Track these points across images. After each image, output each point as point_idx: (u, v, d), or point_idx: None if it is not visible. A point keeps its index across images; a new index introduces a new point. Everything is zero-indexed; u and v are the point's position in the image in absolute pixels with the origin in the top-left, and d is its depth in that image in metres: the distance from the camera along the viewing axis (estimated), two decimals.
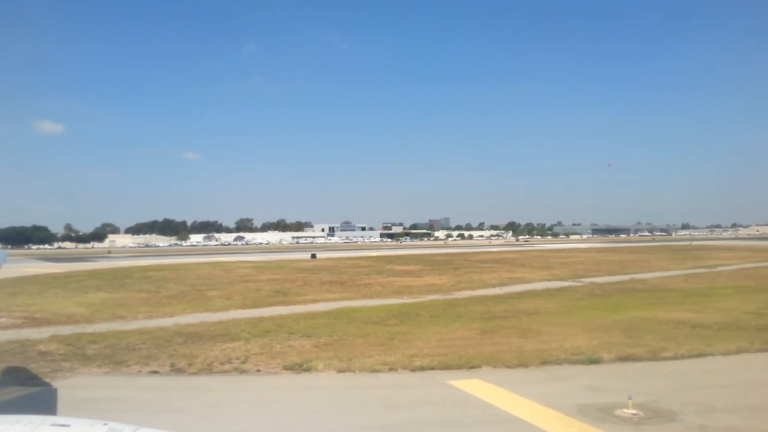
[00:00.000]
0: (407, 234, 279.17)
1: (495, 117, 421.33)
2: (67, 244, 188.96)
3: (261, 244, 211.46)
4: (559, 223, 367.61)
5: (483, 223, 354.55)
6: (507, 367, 14.26)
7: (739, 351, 15.55)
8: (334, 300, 29.18)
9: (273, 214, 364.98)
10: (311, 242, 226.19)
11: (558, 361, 14.64)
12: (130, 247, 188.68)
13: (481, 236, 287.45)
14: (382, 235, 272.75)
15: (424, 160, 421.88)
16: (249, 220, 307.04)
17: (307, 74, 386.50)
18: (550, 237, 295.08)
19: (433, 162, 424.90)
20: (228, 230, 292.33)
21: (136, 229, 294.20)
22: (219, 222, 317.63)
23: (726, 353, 15.34)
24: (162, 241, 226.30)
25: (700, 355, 15.15)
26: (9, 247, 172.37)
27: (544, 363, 14.51)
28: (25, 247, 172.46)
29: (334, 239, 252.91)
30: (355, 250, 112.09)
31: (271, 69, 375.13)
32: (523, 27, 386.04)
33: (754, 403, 11.00)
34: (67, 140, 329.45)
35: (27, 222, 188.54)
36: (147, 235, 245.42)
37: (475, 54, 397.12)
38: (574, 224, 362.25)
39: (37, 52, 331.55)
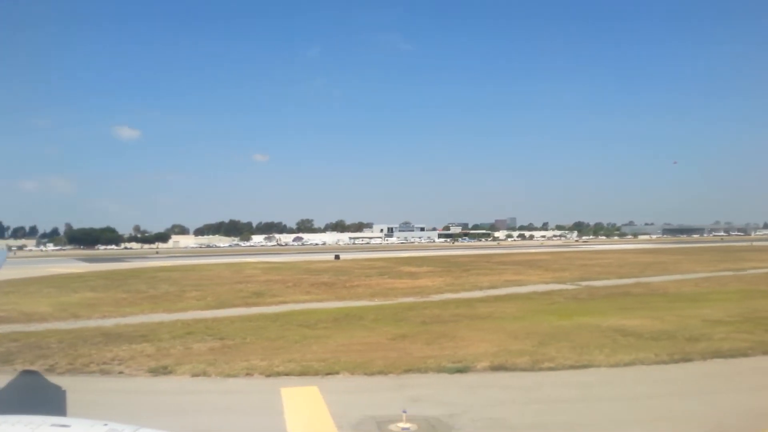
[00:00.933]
0: (465, 234, 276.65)
1: (566, 116, 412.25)
2: (134, 245, 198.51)
3: (316, 244, 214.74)
4: (631, 223, 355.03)
5: (547, 223, 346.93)
6: (366, 374, 13.82)
7: (631, 363, 14.40)
8: (304, 302, 29.23)
9: (336, 215, 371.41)
10: (367, 243, 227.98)
11: (423, 369, 14.05)
12: (191, 247, 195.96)
13: (543, 236, 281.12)
14: (440, 236, 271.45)
15: (490, 160, 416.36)
16: (309, 221, 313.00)
17: (369, 76, 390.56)
18: (616, 237, 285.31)
19: (500, 161, 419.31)
20: (291, 230, 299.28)
21: (203, 230, 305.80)
22: (283, 223, 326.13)
23: (615, 365, 14.26)
24: (224, 241, 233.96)
25: (583, 367, 14.16)
26: (80, 247, 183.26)
27: (407, 371, 13.97)
28: (96, 247, 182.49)
29: (392, 240, 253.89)
30: (400, 251, 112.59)
31: (334, 71, 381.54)
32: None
33: (554, 420, 10.19)
34: (143, 145, 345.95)
35: (107, 223, 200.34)
36: (210, 236, 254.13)
37: (546, 53, 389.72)
38: (646, 224, 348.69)
39: (116, 60, 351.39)
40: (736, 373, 13.45)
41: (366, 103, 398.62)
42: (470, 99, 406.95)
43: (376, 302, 28.99)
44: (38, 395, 12.47)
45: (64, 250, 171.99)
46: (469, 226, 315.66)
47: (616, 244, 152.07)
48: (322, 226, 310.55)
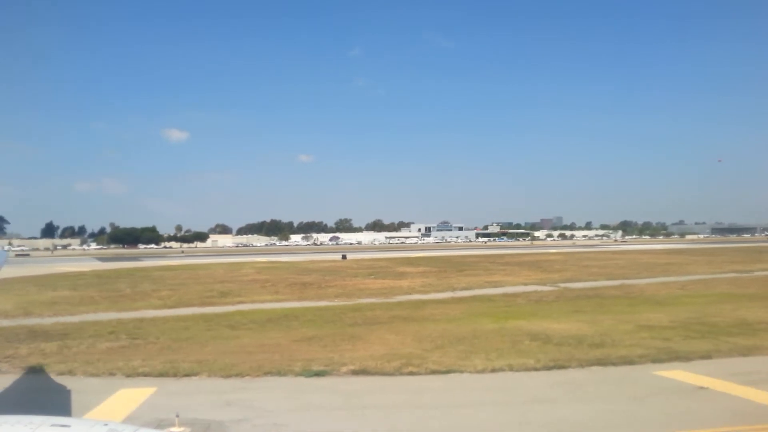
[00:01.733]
0: (504, 234, 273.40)
1: (615, 116, 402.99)
2: (173, 244, 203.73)
3: (351, 244, 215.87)
4: (681, 222, 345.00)
5: (590, 222, 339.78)
6: (223, 376, 13.68)
7: (500, 369, 13.77)
8: (263, 302, 29.25)
9: (378, 214, 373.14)
10: (401, 242, 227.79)
11: (284, 372, 13.78)
12: (228, 246, 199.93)
13: (585, 236, 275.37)
14: (477, 235, 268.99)
15: (537, 158, 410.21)
16: (348, 221, 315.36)
17: (411, 74, 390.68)
18: (661, 237, 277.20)
19: (548, 159, 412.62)
20: (331, 230, 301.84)
21: (245, 230, 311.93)
22: (324, 222, 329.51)
23: (481, 371, 13.71)
24: (261, 241, 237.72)
25: (447, 372, 13.66)
26: (122, 246, 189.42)
27: (267, 373, 13.77)
28: (137, 246, 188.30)
29: (429, 239, 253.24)
30: (426, 251, 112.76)
31: (376, 71, 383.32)
32: None
33: (336, 427, 9.86)
34: (191, 146, 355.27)
35: (156, 222, 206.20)
36: (248, 236, 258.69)
37: (600, 54, 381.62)
38: (696, 223, 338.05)
39: (167, 63, 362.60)
40: (594, 381, 12.72)
41: (408, 101, 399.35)
42: (515, 96, 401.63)
43: (335, 302, 28.81)
44: None
45: (103, 249, 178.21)
46: (516, 225, 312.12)
47: (652, 244, 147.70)
48: (363, 226, 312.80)
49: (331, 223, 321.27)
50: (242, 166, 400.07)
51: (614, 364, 14.18)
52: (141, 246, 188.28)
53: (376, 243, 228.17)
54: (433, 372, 13.73)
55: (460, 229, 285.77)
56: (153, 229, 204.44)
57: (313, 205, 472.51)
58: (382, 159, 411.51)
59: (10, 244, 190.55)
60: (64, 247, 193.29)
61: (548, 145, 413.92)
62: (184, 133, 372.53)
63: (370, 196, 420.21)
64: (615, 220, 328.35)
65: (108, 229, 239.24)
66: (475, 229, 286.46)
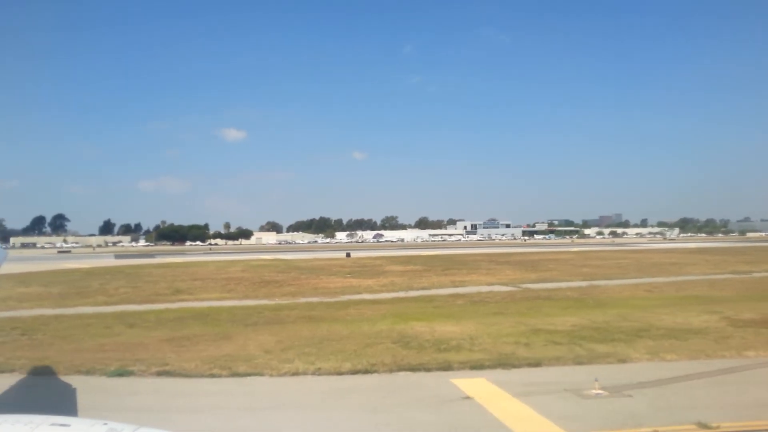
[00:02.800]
0: (551, 232, 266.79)
1: (674, 108, 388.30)
2: (218, 241, 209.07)
3: (393, 241, 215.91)
4: (746, 219, 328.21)
5: (646, 219, 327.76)
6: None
7: (311, 372, 13.43)
8: (206, 300, 29.50)
9: (431, 211, 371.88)
10: (443, 240, 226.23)
11: (92, 372, 13.84)
12: (271, 244, 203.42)
13: (638, 234, 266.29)
14: (524, 233, 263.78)
15: (595, 155, 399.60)
16: (394, 218, 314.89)
17: (465, 71, 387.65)
18: (720, 234, 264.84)
19: (609, 156, 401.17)
20: (380, 227, 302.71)
21: (295, 227, 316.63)
22: (373, 220, 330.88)
23: (285, 374, 13.39)
24: (305, 238, 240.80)
25: (256, 374, 13.38)
26: (170, 243, 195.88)
27: (79, 372, 13.84)
28: (184, 243, 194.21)
29: (473, 237, 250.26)
30: (455, 249, 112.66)
31: (430, 68, 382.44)
32: None
33: None
34: (248, 145, 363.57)
35: (213, 220, 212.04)
36: (293, 233, 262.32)
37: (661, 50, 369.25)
38: (762, 220, 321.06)
39: (225, 64, 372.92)
40: (376, 388, 12.17)
41: (462, 99, 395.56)
42: (569, 93, 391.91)
43: (273, 302, 28.76)
44: None
45: (149, 246, 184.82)
46: (568, 222, 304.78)
47: (699, 242, 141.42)
48: (411, 223, 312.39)
49: (379, 221, 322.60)
50: (298, 164, 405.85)
51: (427, 369, 13.56)
52: (188, 243, 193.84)
53: (419, 240, 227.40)
54: (242, 374, 13.49)
55: (507, 226, 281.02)
56: (200, 227, 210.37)
57: (365, 202, 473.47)
58: (434, 156, 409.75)
59: (65, 241, 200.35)
60: (115, 244, 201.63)
61: (607, 142, 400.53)
62: (241, 132, 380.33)
63: (422, 193, 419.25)
64: (678, 217, 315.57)
65: (161, 227, 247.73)
66: (524, 226, 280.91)
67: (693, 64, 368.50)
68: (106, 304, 28.48)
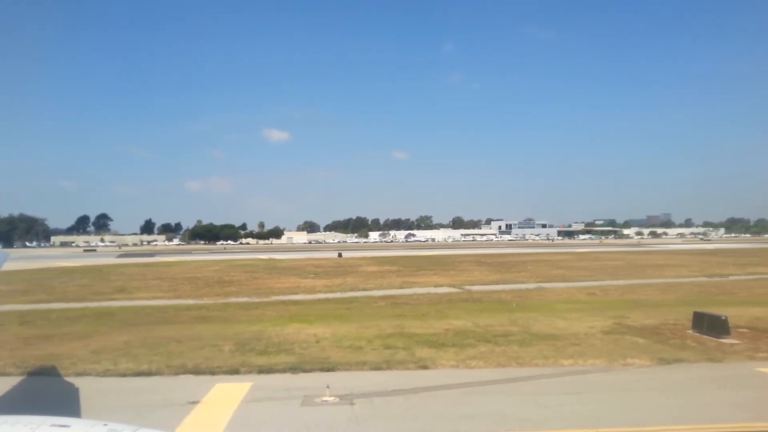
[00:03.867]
0: (588, 232, 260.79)
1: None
2: (250, 240, 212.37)
3: (420, 241, 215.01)
4: None
5: (690, 219, 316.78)
6: None
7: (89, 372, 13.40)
8: (142, 299, 29.96)
9: (471, 211, 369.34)
10: (472, 239, 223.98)
11: None
12: (300, 243, 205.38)
13: (680, 234, 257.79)
14: (559, 233, 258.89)
15: (645, 154, 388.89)
16: (428, 218, 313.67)
17: (508, 68, 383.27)
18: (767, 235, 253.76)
19: (657, 155, 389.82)
20: (416, 227, 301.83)
21: (332, 227, 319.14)
22: (410, 219, 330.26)
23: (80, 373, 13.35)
24: (337, 238, 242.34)
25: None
26: (203, 242, 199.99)
27: None
28: (215, 242, 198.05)
29: (506, 237, 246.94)
30: (476, 249, 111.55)
31: (471, 66, 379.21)
32: None
33: None
34: (291, 145, 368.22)
35: (255, 219, 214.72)
36: (325, 233, 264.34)
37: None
38: None
39: (265, 65, 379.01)
40: (121, 390, 12.01)
41: (505, 96, 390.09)
42: (622, 91, 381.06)
43: (202, 301, 28.85)
44: None
45: (182, 245, 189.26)
46: (611, 222, 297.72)
47: (729, 243, 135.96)
48: (446, 222, 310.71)
49: (415, 221, 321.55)
50: (339, 164, 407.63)
51: (198, 373, 13.33)
52: (219, 242, 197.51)
53: (449, 240, 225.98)
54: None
55: (543, 226, 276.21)
56: (232, 226, 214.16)
57: (405, 201, 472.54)
58: (476, 155, 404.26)
59: (101, 240, 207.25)
60: (149, 242, 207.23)
61: (657, 142, 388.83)
62: (284, 133, 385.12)
63: (463, 192, 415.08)
64: (729, 217, 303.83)
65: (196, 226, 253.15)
66: (560, 226, 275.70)
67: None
68: (39, 301, 29.09)
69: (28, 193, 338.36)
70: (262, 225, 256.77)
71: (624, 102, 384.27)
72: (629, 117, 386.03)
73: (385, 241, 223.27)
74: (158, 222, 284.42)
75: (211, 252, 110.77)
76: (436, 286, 34.57)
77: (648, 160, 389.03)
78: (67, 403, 10.58)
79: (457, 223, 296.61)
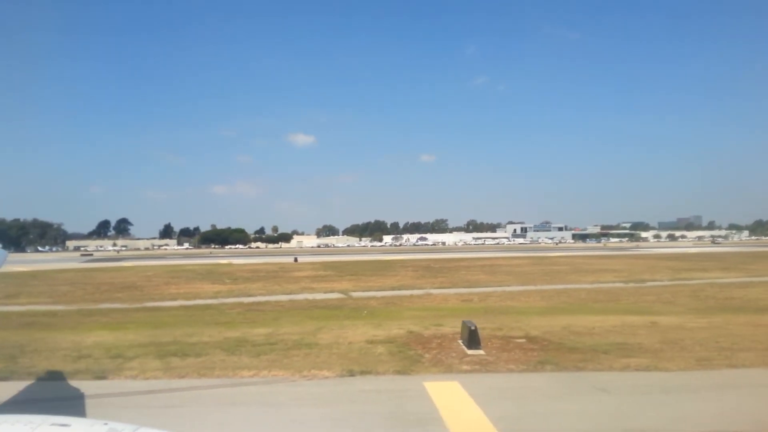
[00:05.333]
0: (604, 235, 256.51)
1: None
2: (260, 244, 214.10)
3: (428, 244, 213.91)
4: None
5: (713, 221, 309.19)
6: None
7: None
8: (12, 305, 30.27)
9: (491, 214, 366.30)
10: (482, 243, 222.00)
11: None
12: (310, 247, 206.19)
13: (700, 237, 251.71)
14: (574, 236, 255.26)
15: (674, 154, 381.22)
16: (444, 221, 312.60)
17: (535, 69, 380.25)
18: None
19: (687, 156, 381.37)
20: (432, 231, 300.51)
21: (350, 230, 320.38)
22: (430, 222, 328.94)
23: None
24: (348, 241, 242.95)
25: None
26: (215, 246, 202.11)
27: None
28: (224, 246, 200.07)
29: (519, 240, 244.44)
30: (462, 252, 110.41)
31: (496, 67, 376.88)
32: None
33: None
34: (317, 150, 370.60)
35: (280, 222, 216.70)
36: (337, 236, 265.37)
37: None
38: None
39: (291, 72, 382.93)
40: None
41: (532, 98, 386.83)
42: (645, 94, 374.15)
43: (66, 307, 28.90)
44: None
45: (189, 249, 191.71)
46: (651, 224, 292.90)
47: (731, 247, 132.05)
48: (461, 225, 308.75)
49: (431, 224, 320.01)
50: (365, 168, 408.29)
51: None
52: (227, 246, 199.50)
53: (460, 243, 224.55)
54: None
55: (560, 229, 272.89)
56: (241, 231, 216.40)
57: (429, 205, 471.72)
58: (504, 158, 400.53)
59: (114, 244, 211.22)
60: (160, 247, 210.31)
61: (688, 143, 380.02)
62: (310, 137, 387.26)
63: (487, 195, 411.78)
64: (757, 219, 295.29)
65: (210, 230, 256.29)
66: (575, 229, 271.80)
67: None
68: None
69: (60, 199, 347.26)
70: (275, 229, 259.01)
71: (654, 104, 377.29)
72: (660, 118, 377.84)
73: (395, 245, 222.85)
74: (180, 226, 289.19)
75: (189, 257, 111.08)
76: (328, 291, 34.03)
77: (679, 161, 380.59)
78: None
79: (472, 226, 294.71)
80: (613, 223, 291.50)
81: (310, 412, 10.55)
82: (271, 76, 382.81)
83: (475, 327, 16.12)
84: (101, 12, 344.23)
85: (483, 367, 13.92)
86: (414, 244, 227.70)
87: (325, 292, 33.68)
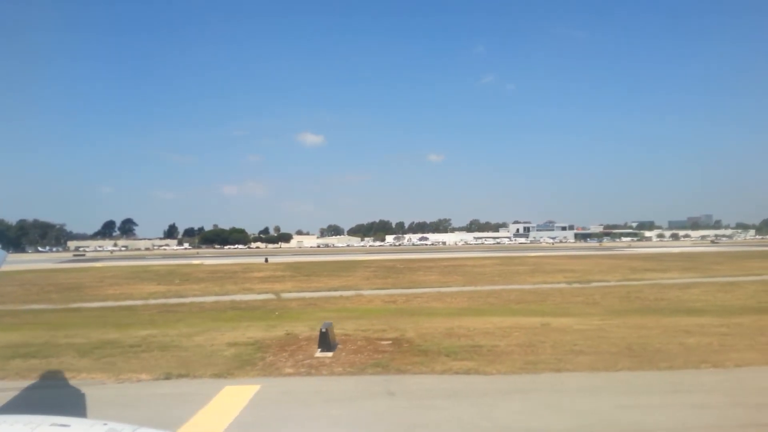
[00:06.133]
0: (606, 234, 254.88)
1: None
2: (260, 244, 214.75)
3: (427, 244, 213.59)
4: None
5: (719, 221, 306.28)
6: None
7: None
8: None
9: (500, 213, 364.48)
10: (481, 242, 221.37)
11: None
12: (309, 247, 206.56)
13: (703, 237, 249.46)
14: (576, 236, 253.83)
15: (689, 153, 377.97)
16: (447, 221, 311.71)
17: (543, 68, 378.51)
18: None
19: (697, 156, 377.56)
20: (436, 230, 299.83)
21: (355, 230, 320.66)
22: (433, 222, 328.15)
23: None
24: (351, 241, 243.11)
25: None
26: (216, 246, 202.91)
27: None
28: (222, 247, 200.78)
29: (520, 240, 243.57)
30: (444, 252, 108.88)
31: (504, 66, 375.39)
32: None
33: None
34: (325, 149, 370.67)
35: (291, 222, 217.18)
36: (339, 236, 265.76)
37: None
38: None
39: (300, 69, 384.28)
40: None
41: (540, 97, 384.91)
42: (657, 94, 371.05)
43: None
44: None
45: (187, 249, 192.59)
46: (662, 223, 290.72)
47: (729, 246, 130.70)
48: (464, 225, 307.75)
49: (434, 223, 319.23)
50: (373, 167, 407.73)
51: None
52: (227, 247, 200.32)
53: (460, 243, 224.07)
54: None
55: (564, 228, 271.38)
56: (240, 231, 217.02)
57: (437, 204, 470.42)
58: (513, 157, 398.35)
59: (115, 244, 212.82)
60: (159, 247, 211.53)
61: (696, 142, 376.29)
62: (319, 137, 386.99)
63: (490, 194, 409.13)
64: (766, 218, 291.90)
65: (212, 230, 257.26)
66: (578, 228, 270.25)
67: None
68: None
69: (69, 200, 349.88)
70: (277, 229, 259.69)
71: (661, 104, 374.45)
72: (669, 118, 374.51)
73: (395, 245, 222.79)
74: (189, 226, 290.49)
75: (174, 257, 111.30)
76: (263, 293, 33.97)
77: (689, 160, 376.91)
78: None
79: (474, 226, 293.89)
80: (621, 222, 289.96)
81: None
82: (280, 75, 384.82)
83: (326, 329, 16.00)
84: (112, 12, 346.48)
85: (308, 370, 13.75)
86: (413, 244, 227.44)
87: (259, 293, 33.65)
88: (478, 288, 34.69)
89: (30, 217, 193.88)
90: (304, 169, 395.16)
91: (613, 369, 13.11)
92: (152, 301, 30.52)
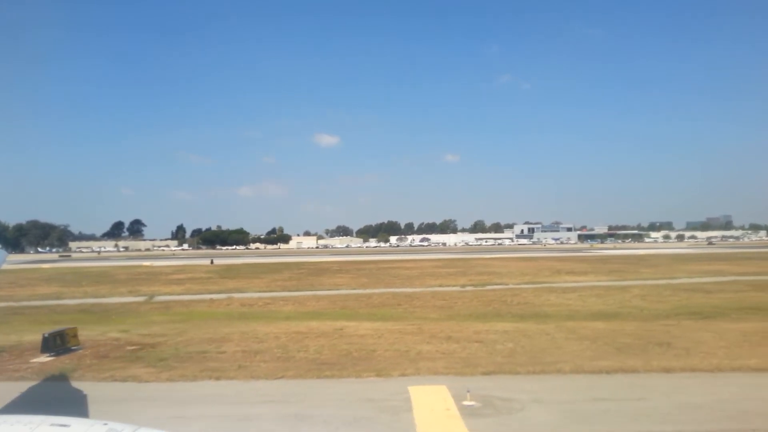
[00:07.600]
0: (610, 235, 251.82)
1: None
2: (259, 245, 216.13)
3: (425, 245, 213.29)
4: None
5: (730, 221, 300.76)
6: None
7: None
8: None
9: (509, 214, 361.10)
10: (479, 244, 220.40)
11: None
12: (307, 248, 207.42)
13: (711, 237, 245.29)
14: (579, 237, 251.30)
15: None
16: (452, 221, 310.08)
17: (558, 66, 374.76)
18: None
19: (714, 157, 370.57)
20: (440, 231, 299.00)
21: (364, 231, 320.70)
22: (441, 223, 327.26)
23: None
24: (352, 243, 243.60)
25: None
26: (217, 246, 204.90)
27: None
28: (223, 248, 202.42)
29: (523, 241, 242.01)
30: (436, 253, 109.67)
31: (520, 66, 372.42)
32: None
33: None
34: (341, 150, 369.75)
35: (303, 223, 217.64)
36: (340, 237, 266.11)
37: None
38: None
39: (316, 72, 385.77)
40: None
41: (556, 96, 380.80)
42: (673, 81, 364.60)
43: None
44: None
45: (185, 249, 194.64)
46: (677, 224, 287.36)
47: (730, 248, 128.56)
48: (468, 225, 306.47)
49: (439, 224, 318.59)
50: (388, 168, 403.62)
51: None
52: (225, 247, 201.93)
53: (461, 244, 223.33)
54: None
55: (568, 229, 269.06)
56: (241, 231, 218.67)
57: (451, 204, 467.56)
58: (520, 157, 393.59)
59: (116, 245, 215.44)
60: (159, 247, 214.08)
61: (713, 143, 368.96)
62: (335, 137, 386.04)
63: (502, 194, 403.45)
64: None
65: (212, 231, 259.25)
66: (582, 229, 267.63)
67: None
68: None
69: (86, 201, 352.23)
70: (280, 230, 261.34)
71: (675, 104, 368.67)
72: (683, 119, 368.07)
73: (395, 246, 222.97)
74: (202, 226, 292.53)
75: (152, 258, 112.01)
76: (145, 295, 34.77)
77: (708, 162, 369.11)
78: None
79: (478, 227, 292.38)
80: (635, 223, 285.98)
81: None
82: (296, 77, 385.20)
83: (48, 335, 16.43)
84: (130, 13, 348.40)
85: (6, 375, 14.19)
86: (411, 245, 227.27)
87: (139, 296, 34.25)
88: (367, 291, 34.82)
89: (41, 218, 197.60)
90: (319, 170, 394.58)
91: (272, 377, 13.29)
92: (32, 303, 31.12)
